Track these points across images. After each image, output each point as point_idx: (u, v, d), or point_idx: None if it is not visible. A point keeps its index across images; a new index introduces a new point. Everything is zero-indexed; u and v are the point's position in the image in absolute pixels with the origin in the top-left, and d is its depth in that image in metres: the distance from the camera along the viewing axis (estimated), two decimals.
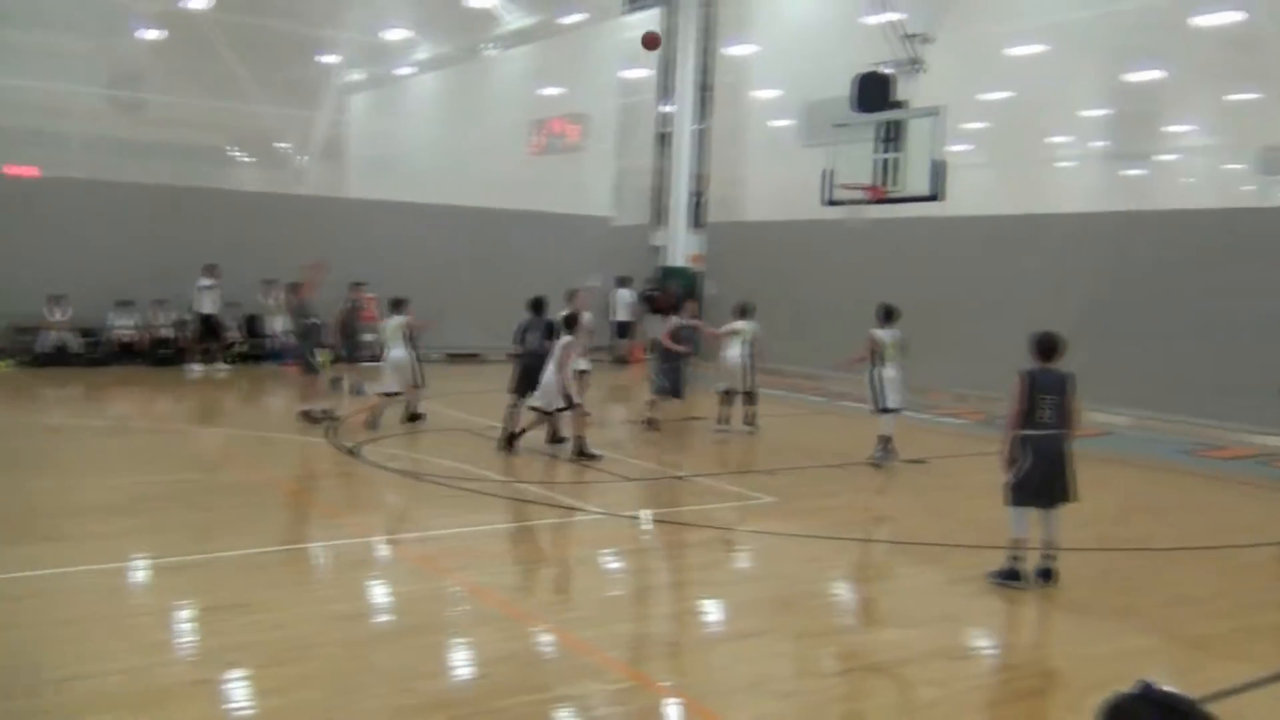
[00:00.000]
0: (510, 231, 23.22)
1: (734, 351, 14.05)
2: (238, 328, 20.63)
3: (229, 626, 6.16)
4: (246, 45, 23.13)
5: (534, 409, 12.13)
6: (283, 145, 26.80)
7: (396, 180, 25.41)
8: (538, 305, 13.00)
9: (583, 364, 13.57)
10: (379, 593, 7.31)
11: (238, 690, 5.36)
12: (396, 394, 13.87)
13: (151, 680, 5.37)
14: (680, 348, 14.10)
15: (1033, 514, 7.56)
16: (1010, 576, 7.45)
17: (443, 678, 5.76)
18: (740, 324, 14.11)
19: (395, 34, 27.39)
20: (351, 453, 12.03)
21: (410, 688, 5.36)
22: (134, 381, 17.97)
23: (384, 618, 6.86)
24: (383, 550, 8.37)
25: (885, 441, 12.45)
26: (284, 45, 24.99)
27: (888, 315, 12.26)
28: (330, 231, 20.92)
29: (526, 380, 12.44)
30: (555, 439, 12.58)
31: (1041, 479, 7.45)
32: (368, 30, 26.80)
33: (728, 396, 14.24)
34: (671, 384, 14.07)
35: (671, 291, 25.38)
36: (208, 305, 19.39)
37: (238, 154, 26.64)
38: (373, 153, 29.21)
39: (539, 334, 12.65)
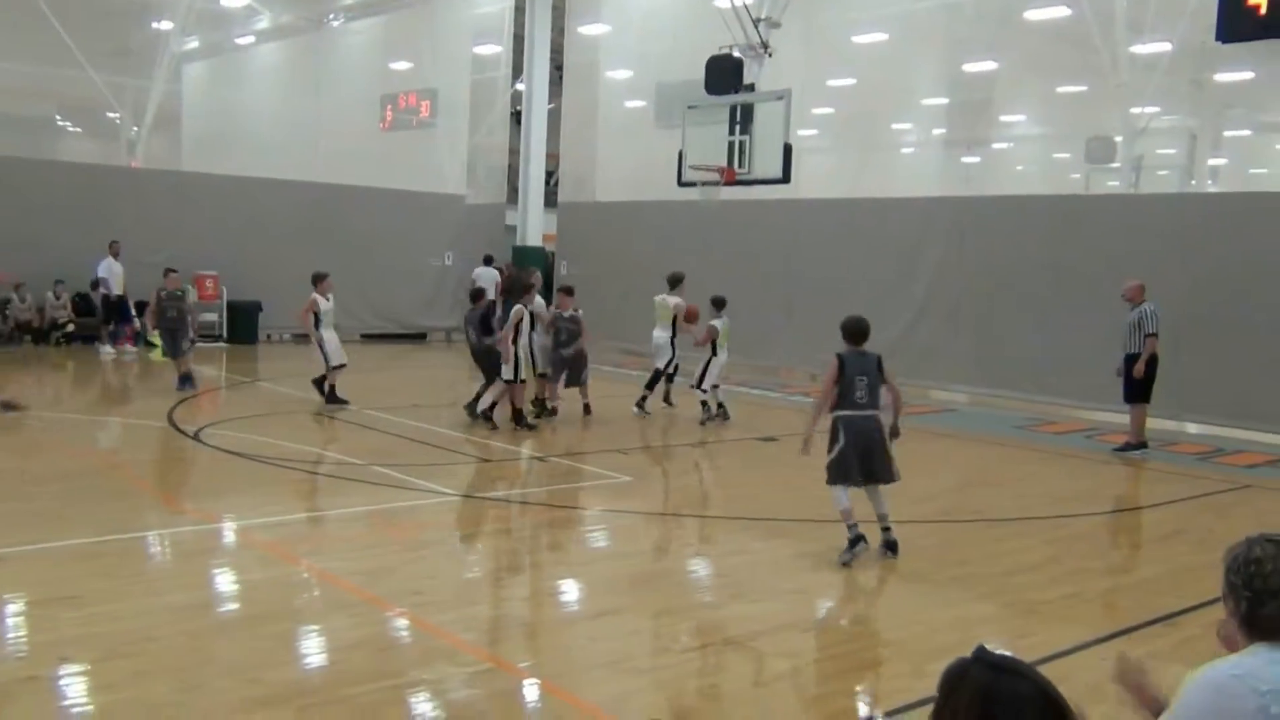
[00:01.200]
0: (361, 209, 22.49)
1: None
2: (64, 306, 19.58)
3: (61, 620, 5.84)
4: (72, 7, 21.85)
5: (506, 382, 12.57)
6: (114, 115, 25.53)
7: (237, 154, 24.45)
8: (474, 296, 13.61)
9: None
10: (223, 581, 7.05)
11: (73, 686, 5.10)
12: (341, 365, 13.96)
13: None
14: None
15: (860, 492, 7.77)
16: (853, 544, 7.62)
17: (292, 667, 5.59)
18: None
19: (234, 1, 26.31)
20: (194, 437, 11.58)
21: (258, 678, 5.19)
22: None
23: (229, 607, 6.62)
24: (227, 537, 8.07)
25: (703, 406, 13.60)
26: (114, 8, 23.75)
27: (717, 305, 13.35)
28: (165, 206, 20.02)
29: (479, 367, 13.28)
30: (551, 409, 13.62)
31: (856, 457, 7.64)
32: None
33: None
34: (554, 372, 13.71)
35: (509, 273, 25.05)
36: (116, 286, 18.69)
37: (65, 124, 25.25)
38: (211, 125, 28.11)
39: (474, 328, 13.14)
